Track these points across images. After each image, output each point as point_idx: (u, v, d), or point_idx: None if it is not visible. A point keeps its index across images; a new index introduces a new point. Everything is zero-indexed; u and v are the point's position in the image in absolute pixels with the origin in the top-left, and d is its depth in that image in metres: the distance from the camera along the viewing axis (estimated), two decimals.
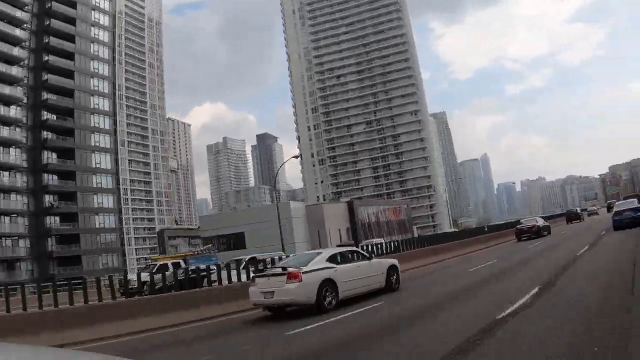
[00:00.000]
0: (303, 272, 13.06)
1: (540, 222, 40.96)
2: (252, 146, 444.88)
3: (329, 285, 13.29)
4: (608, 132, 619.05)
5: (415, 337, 8.74)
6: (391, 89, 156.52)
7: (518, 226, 41.15)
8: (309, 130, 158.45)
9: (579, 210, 78.59)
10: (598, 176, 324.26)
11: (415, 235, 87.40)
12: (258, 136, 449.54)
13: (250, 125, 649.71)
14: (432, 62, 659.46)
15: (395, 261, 17.13)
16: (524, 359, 6.36)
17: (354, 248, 19.76)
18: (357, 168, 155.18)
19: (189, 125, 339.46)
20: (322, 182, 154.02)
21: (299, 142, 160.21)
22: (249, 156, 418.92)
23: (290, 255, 22.78)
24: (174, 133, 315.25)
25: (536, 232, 38.67)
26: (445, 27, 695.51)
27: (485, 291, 13.53)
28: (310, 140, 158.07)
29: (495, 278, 16.11)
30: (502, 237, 43.02)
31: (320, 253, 14.88)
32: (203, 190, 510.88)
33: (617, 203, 41.06)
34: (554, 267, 15.87)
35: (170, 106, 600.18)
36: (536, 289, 11.68)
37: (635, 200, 34.72)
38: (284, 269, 13.59)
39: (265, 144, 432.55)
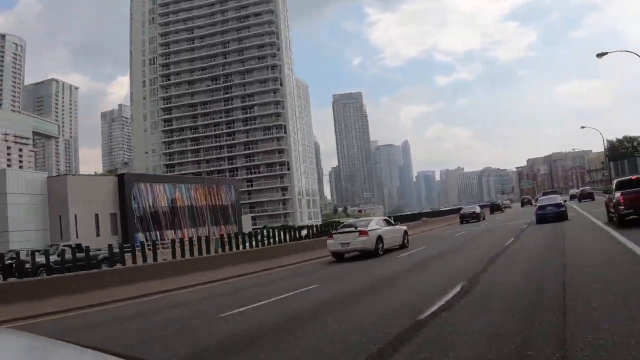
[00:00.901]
0: (368, 230, 21.22)
1: (478, 210, 50.53)
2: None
3: (380, 239, 21.48)
4: (531, 131, 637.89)
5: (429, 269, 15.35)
6: (246, 37, 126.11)
7: (461, 212, 50.77)
8: (144, 86, 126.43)
9: (500, 202, 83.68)
10: (515, 169, 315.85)
11: (249, 229, 60.06)
12: None
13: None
14: (364, 48, 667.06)
15: (406, 227, 26.51)
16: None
17: (387, 218, 30.22)
18: (196, 135, 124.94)
19: (77, 88, 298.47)
20: (153, 151, 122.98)
21: (131, 100, 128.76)
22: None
23: None
24: (57, 96, 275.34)
25: (476, 217, 47.86)
26: (380, 13, 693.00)
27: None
28: (145, 98, 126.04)
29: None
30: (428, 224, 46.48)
31: (372, 219, 23.51)
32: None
33: (540, 198, 42.65)
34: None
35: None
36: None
37: (558, 196, 40.23)
38: (356, 227, 21.78)
39: None
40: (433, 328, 6.76)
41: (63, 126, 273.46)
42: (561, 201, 32.71)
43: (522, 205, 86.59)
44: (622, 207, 19.10)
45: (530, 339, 5.64)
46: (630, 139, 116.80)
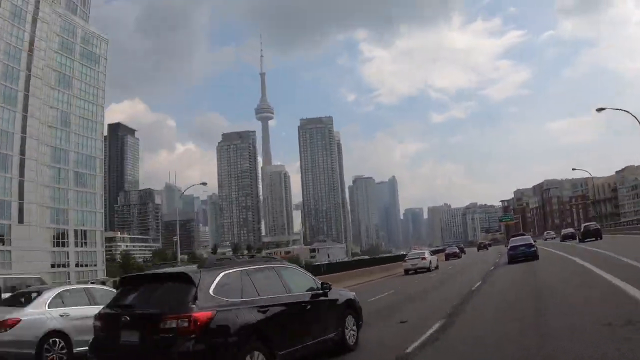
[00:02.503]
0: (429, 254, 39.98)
1: (427, 256, 40.86)
2: (104, 136, 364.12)
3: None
4: (520, 167, 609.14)
5: None
6: None
7: (406, 259, 41.58)
8: None
9: (458, 247, 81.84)
10: (500, 203, 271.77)
11: None
12: (110, 126, 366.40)
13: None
14: (359, 85, 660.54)
15: None
16: None
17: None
18: None
19: None
20: None
21: None
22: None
23: None
24: None
25: (425, 267, 39.11)
26: (374, 50, 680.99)
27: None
28: None
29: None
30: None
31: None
32: None
33: (511, 239, 39.64)
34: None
35: None
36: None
37: (529, 236, 42.67)
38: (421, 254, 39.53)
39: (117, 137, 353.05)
40: None
41: None
42: (532, 241, 34.43)
43: (479, 249, 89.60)
44: None
45: None
46: None
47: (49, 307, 10.81)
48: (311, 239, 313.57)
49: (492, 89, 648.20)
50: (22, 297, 11.78)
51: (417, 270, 38.13)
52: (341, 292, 10.76)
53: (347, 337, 9.73)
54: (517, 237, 40.58)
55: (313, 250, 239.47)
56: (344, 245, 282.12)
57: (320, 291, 9.35)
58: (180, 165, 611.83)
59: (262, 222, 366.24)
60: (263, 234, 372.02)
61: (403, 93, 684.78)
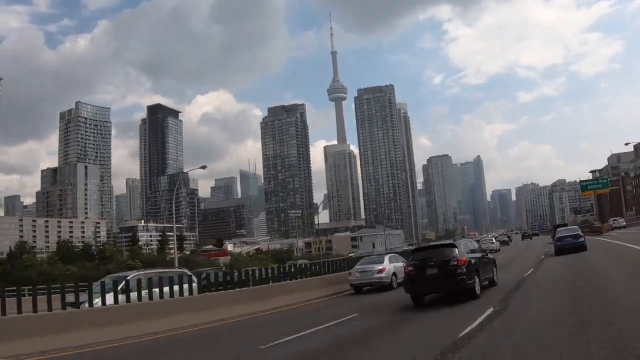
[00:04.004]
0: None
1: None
2: (142, 120, 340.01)
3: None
4: (617, 145, 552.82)
5: None
6: None
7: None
8: None
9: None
10: (590, 175, 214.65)
11: None
12: (150, 108, 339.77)
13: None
14: (445, 66, 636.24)
15: None
16: None
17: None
18: None
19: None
20: None
21: None
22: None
23: None
24: None
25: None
26: (459, 30, 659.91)
27: None
28: None
29: None
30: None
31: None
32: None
33: (558, 229, 40.51)
34: None
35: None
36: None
37: (577, 227, 41.65)
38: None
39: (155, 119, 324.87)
40: None
41: None
42: (580, 232, 34.37)
43: (523, 238, 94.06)
44: None
45: None
46: None
47: (389, 262, 25.63)
48: (372, 224, 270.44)
49: (582, 63, 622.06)
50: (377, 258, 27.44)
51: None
52: None
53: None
54: (564, 228, 41.75)
55: (355, 239, 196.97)
56: (400, 232, 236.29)
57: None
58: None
59: (321, 206, 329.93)
60: (322, 220, 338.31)
61: (490, 72, 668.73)
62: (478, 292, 15.96)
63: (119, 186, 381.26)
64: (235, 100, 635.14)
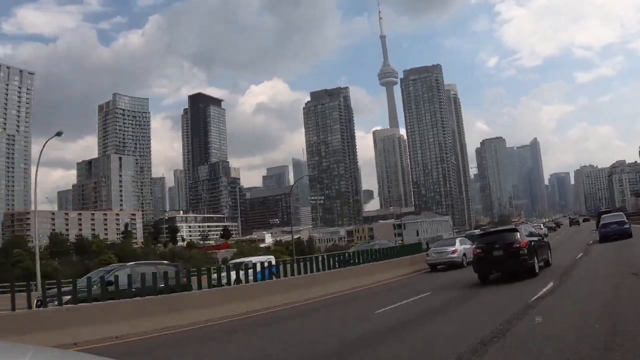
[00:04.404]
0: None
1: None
2: (184, 110, 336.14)
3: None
4: None
5: None
6: None
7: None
8: None
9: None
10: None
11: None
12: (191, 97, 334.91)
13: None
14: (499, 48, 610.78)
15: None
16: None
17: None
18: None
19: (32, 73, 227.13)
20: None
21: None
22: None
23: None
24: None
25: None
26: (512, 11, 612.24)
27: None
28: None
29: None
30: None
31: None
32: None
33: (603, 216, 38.02)
34: None
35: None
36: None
37: (622, 213, 41.70)
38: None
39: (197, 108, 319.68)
40: None
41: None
42: (625, 219, 33.50)
43: (571, 224, 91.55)
44: None
45: None
46: None
47: (460, 244, 28.83)
48: (419, 211, 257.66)
49: None
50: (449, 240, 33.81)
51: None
52: None
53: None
54: (609, 214, 39.40)
55: (398, 226, 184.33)
56: (447, 218, 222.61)
57: None
58: None
59: (367, 192, 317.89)
60: (371, 207, 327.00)
61: (545, 53, 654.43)
62: (537, 270, 18.11)
63: (169, 178, 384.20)
64: (290, 89, 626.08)
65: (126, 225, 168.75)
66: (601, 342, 7.66)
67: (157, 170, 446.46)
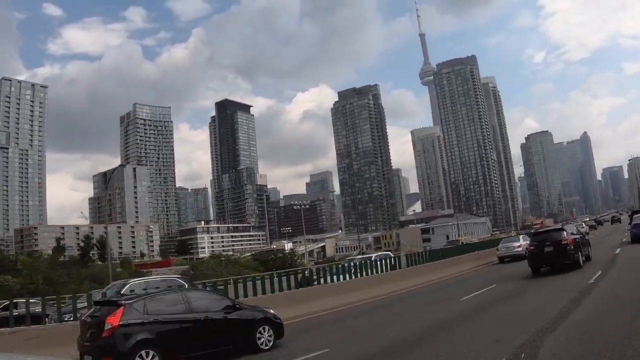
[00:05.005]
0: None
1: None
2: (211, 117, 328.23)
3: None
4: None
5: None
6: None
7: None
8: None
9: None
10: None
11: None
12: (218, 104, 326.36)
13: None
14: (545, 43, 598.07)
15: None
16: None
17: None
18: None
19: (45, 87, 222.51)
20: None
21: None
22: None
23: None
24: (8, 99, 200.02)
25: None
26: (555, 4, 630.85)
27: None
28: None
29: None
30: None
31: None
32: None
33: (635, 216, 36.00)
34: None
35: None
36: None
37: None
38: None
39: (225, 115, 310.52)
40: None
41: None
42: None
43: (612, 222, 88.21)
44: None
45: None
46: None
47: (523, 241, 32.18)
48: (457, 212, 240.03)
49: None
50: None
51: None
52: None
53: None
54: None
55: (426, 231, 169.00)
56: (484, 220, 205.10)
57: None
58: None
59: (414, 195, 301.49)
60: (414, 209, 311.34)
61: (592, 46, 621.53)
62: (581, 263, 21.06)
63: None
64: (336, 95, 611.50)
65: (57, 240, 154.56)
66: None
67: (201, 183, 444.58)
